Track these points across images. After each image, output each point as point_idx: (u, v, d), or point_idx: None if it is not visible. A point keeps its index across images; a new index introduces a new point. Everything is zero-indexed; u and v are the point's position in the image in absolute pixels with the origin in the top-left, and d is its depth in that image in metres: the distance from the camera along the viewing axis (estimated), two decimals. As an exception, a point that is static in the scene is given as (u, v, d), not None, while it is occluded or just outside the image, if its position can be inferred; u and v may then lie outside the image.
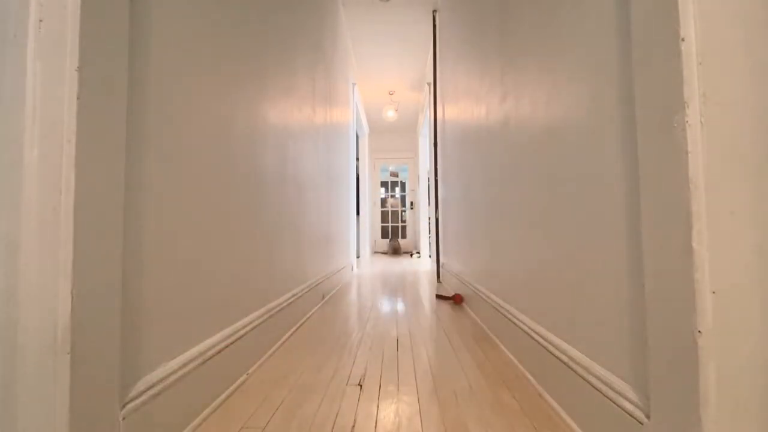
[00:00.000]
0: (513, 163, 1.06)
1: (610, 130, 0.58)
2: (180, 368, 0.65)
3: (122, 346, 0.52)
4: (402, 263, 4.43)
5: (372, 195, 6.33)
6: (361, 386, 0.86)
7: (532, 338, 0.88)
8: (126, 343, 0.54)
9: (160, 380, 0.60)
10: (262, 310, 1.07)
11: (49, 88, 0.42)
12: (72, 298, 0.43)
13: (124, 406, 0.52)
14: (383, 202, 6.54)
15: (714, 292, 0.39)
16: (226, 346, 0.82)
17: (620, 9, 0.55)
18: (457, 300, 1.87)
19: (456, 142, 2.13)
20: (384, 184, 6.56)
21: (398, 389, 0.84)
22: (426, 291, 2.31)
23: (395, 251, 5.78)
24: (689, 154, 0.40)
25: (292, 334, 1.32)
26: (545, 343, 0.80)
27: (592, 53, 0.63)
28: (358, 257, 4.84)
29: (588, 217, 0.64)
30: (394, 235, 6.49)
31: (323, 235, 2.09)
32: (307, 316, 1.60)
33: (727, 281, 0.39)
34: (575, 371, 0.67)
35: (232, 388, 0.84)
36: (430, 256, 4.57)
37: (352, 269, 3.29)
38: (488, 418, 0.71)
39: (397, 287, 2.49)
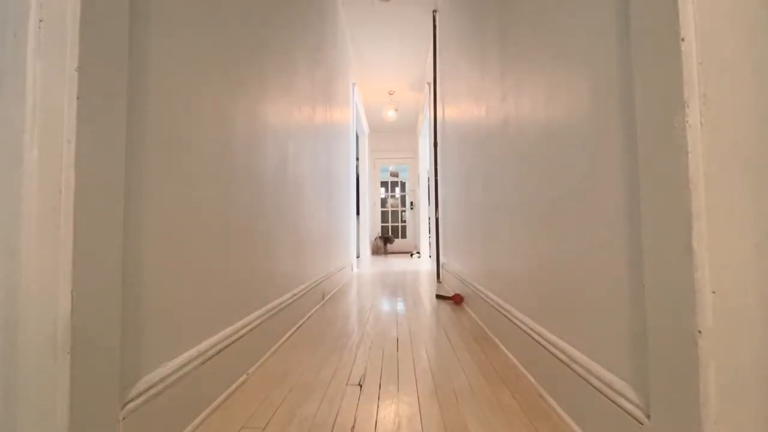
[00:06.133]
0: (513, 163, 1.06)
1: (610, 130, 0.58)
2: (180, 368, 0.65)
3: (122, 346, 0.52)
4: (401, 263, 4.43)
5: (372, 195, 6.33)
6: (361, 386, 0.86)
7: (532, 338, 0.88)
8: (126, 343, 0.54)
9: (160, 380, 0.60)
10: (262, 310, 1.07)
11: (49, 88, 0.42)
12: (72, 298, 0.43)
13: (124, 406, 0.52)
14: (383, 202, 6.54)
15: (714, 292, 0.39)
16: (226, 346, 0.82)
17: (620, 9, 0.55)
18: (457, 300, 1.87)
19: (456, 141, 2.13)
20: (384, 184, 6.56)
21: (398, 389, 0.84)
22: (426, 291, 2.31)
23: (377, 251, 4.37)
24: (689, 154, 0.40)
25: (292, 334, 1.32)
26: (545, 343, 0.80)
27: (592, 53, 0.63)
28: (358, 257, 4.84)
29: (588, 216, 0.64)
30: (384, 234, 5.64)
31: (323, 235, 2.09)
32: (307, 316, 1.60)
33: (727, 281, 0.39)
34: (575, 371, 0.67)
35: (232, 388, 0.84)
36: (430, 256, 4.57)
37: (352, 269, 3.29)
38: (488, 417, 0.71)
39: (397, 287, 2.49)
